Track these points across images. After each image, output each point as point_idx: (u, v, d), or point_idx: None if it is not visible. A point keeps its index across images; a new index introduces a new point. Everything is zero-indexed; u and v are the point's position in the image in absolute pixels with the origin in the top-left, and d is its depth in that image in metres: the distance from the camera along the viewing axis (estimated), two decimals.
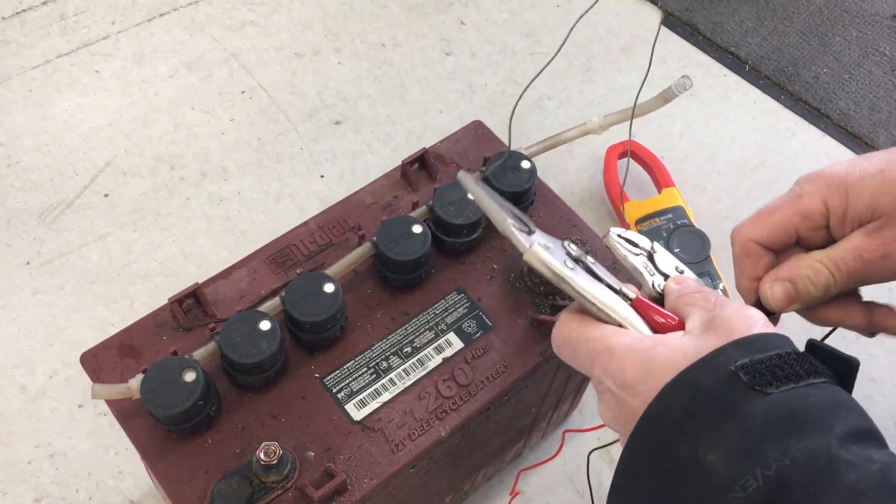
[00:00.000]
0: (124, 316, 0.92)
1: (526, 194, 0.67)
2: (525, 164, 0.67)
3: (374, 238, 0.63)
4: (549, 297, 0.66)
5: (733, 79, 1.18)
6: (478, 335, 0.64)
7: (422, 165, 0.71)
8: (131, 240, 0.97)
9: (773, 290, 0.50)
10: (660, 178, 1.02)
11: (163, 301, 0.96)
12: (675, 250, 0.96)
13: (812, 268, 0.49)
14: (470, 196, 0.56)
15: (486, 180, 0.67)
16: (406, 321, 0.64)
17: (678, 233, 0.97)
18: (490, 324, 0.64)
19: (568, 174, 1.09)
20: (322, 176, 1.05)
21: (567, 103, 1.14)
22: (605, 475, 0.87)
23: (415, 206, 0.67)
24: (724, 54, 1.20)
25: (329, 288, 0.60)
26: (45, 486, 0.82)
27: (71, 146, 1.04)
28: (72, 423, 0.85)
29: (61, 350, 0.89)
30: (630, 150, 1.05)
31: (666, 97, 0.63)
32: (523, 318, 0.65)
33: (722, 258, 0.99)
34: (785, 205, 0.50)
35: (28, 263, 0.94)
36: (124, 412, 0.58)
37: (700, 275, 0.96)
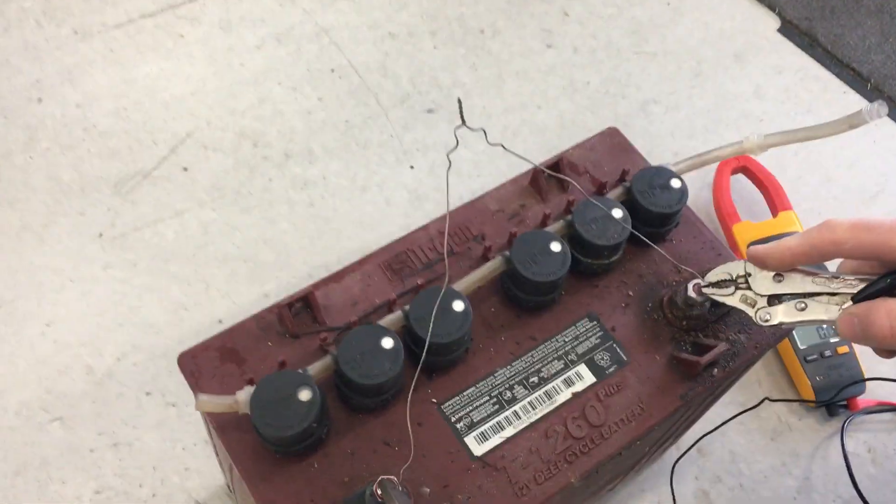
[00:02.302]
0: (199, 300, 0.86)
1: (673, 217, 0.60)
2: (675, 184, 0.60)
3: (508, 253, 0.57)
4: (690, 334, 0.59)
5: (854, 97, 1.10)
6: (611, 370, 0.57)
7: (553, 174, 0.64)
8: (209, 219, 0.92)
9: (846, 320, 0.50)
10: (776, 201, 0.95)
11: (240, 288, 0.91)
12: None
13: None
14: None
15: (630, 197, 0.60)
16: (533, 347, 0.57)
17: None
18: (625, 358, 0.58)
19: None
20: (412, 167, 0.98)
21: (674, 109, 1.07)
22: None
23: (546, 218, 0.60)
24: (844, 69, 1.12)
25: (459, 306, 0.53)
26: (106, 478, 0.76)
27: (151, 113, 0.98)
28: (138, 411, 0.80)
29: (132, 331, 0.84)
30: (745, 167, 0.98)
31: (852, 123, 0.56)
32: (661, 354, 0.58)
33: None
34: (883, 228, 0.48)
35: (101, 235, 0.89)
36: (224, 424, 0.52)
37: None
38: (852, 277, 0.52)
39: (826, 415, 0.86)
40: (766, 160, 1.00)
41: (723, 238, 0.96)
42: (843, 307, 0.52)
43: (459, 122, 0.50)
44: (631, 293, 0.60)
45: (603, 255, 0.58)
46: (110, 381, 0.81)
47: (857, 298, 0.51)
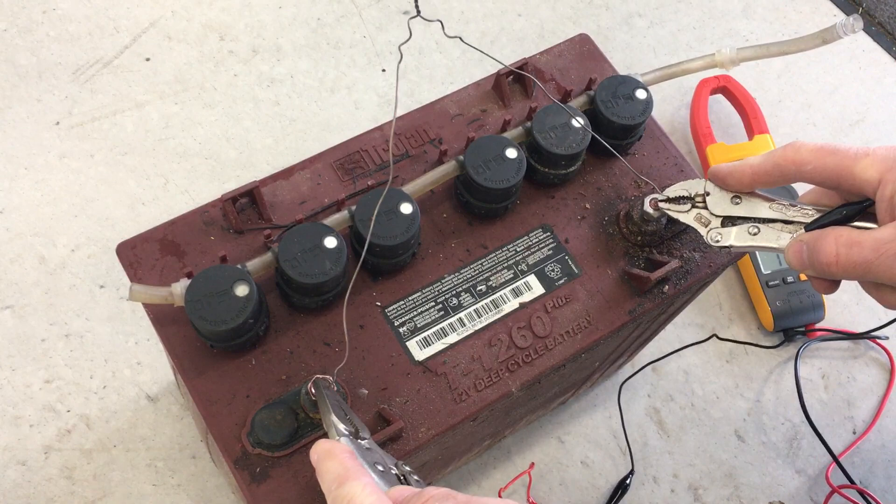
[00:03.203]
0: (157, 195, 0.85)
1: (636, 129, 0.58)
2: (641, 94, 0.58)
3: (462, 157, 0.55)
4: (645, 249, 0.58)
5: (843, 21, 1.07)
6: (561, 282, 0.56)
7: (517, 79, 0.62)
8: (171, 112, 0.89)
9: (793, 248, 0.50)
10: (753, 123, 0.93)
11: (200, 185, 0.89)
12: None
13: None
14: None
15: (594, 106, 0.58)
16: (483, 255, 0.56)
17: None
18: (576, 270, 0.57)
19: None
20: (384, 70, 0.95)
21: (658, 24, 1.04)
22: (651, 435, 0.81)
23: (506, 124, 0.58)
24: None
25: (406, 208, 0.52)
26: (57, 368, 0.76)
27: None
28: (91, 303, 0.79)
29: (87, 223, 0.82)
30: (725, 87, 0.95)
31: (825, 38, 0.54)
32: (614, 268, 0.57)
33: None
34: (847, 154, 0.47)
35: (58, 124, 0.86)
36: (161, 317, 0.51)
37: None
38: (810, 207, 0.51)
39: (784, 339, 0.86)
40: (748, 82, 0.98)
41: (697, 158, 0.95)
42: (795, 236, 0.51)
43: (417, 6, 0.48)
44: (588, 206, 0.59)
45: (560, 164, 0.57)
46: (63, 272, 0.80)
47: (810, 227, 0.50)
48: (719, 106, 0.98)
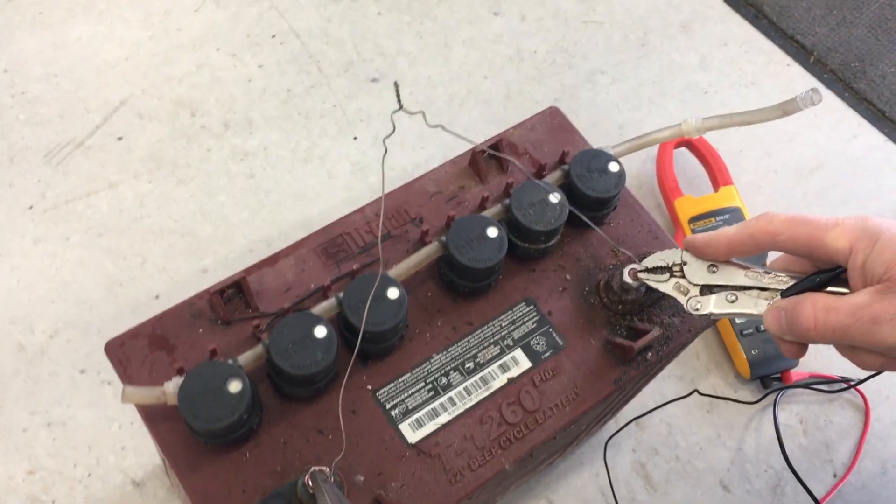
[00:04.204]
0: (134, 275, 0.84)
1: (611, 201, 0.60)
2: (613, 167, 0.60)
3: (444, 238, 0.56)
4: (626, 318, 0.59)
5: (797, 70, 1.11)
6: (547, 354, 0.57)
7: (493, 154, 0.63)
8: (145, 191, 0.89)
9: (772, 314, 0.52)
10: (718, 175, 0.96)
11: (178, 263, 0.89)
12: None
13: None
14: None
15: (569, 181, 0.60)
16: (469, 332, 0.57)
17: None
18: (561, 343, 0.58)
19: None
20: (355, 138, 0.97)
21: (620, 80, 1.06)
22: (638, 490, 0.82)
23: (484, 201, 0.60)
24: (788, 42, 1.13)
25: (393, 293, 0.53)
26: (40, 458, 0.75)
27: (83, 79, 0.95)
28: (72, 389, 0.78)
29: (64, 307, 0.82)
30: (688, 142, 0.98)
31: (786, 110, 0.56)
32: (597, 338, 0.58)
33: None
34: (818, 224, 0.49)
35: (31, 208, 0.86)
36: (153, 414, 0.51)
37: None
38: (784, 274, 0.53)
39: (761, 387, 0.88)
40: (710, 133, 1.01)
41: (665, 211, 0.97)
42: (772, 302, 0.52)
43: (399, 101, 0.49)
44: (568, 277, 0.60)
45: (540, 240, 0.58)
46: (42, 359, 0.79)
47: (787, 293, 0.52)
48: (684, 158, 1.00)
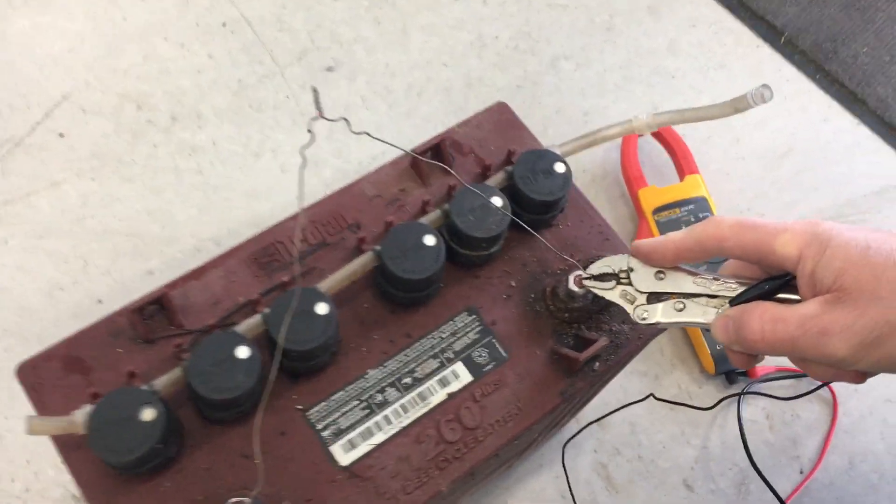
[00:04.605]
0: (76, 279, 0.81)
1: (556, 204, 0.57)
2: (559, 168, 0.57)
3: (379, 247, 0.53)
4: (573, 326, 0.57)
5: (767, 51, 1.08)
6: (489, 367, 0.55)
7: (436, 155, 0.60)
8: (89, 189, 0.86)
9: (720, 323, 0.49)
10: (683, 164, 0.93)
11: (123, 264, 0.86)
12: None
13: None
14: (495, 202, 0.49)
15: (513, 182, 0.57)
16: (407, 345, 0.54)
17: None
18: (504, 354, 0.55)
19: None
20: (309, 131, 0.93)
21: (585, 66, 1.03)
22: (599, 492, 0.80)
23: (425, 205, 0.57)
24: (759, 22, 1.09)
25: (322, 309, 0.50)
26: None
27: (23, 73, 0.91)
28: (10, 401, 0.75)
29: (3, 314, 0.79)
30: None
31: (737, 107, 0.53)
32: (542, 348, 0.56)
33: None
34: (766, 230, 0.47)
35: None
36: (66, 441, 0.49)
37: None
38: (733, 281, 0.50)
39: (726, 382, 0.86)
40: None
41: (630, 201, 0.94)
42: (720, 310, 0.50)
43: (318, 108, 0.47)
44: (513, 283, 0.58)
45: (481, 247, 0.55)
46: None
47: (735, 302, 0.50)
48: (650, 146, 0.97)
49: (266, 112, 0.94)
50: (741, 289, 0.50)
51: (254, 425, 0.46)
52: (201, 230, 0.86)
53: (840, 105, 1.06)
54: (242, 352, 0.48)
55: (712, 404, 0.81)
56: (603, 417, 0.78)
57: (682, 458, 0.83)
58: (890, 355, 0.44)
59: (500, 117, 0.64)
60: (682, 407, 0.85)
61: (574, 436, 0.78)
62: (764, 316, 0.47)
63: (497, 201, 0.55)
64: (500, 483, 0.79)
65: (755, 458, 0.77)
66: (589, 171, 0.97)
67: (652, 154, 0.97)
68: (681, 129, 0.97)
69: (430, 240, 0.53)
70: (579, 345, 0.56)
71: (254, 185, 0.89)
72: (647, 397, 0.77)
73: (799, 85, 1.06)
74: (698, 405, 0.84)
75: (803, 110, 1.05)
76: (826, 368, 0.48)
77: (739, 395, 0.83)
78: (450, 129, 0.63)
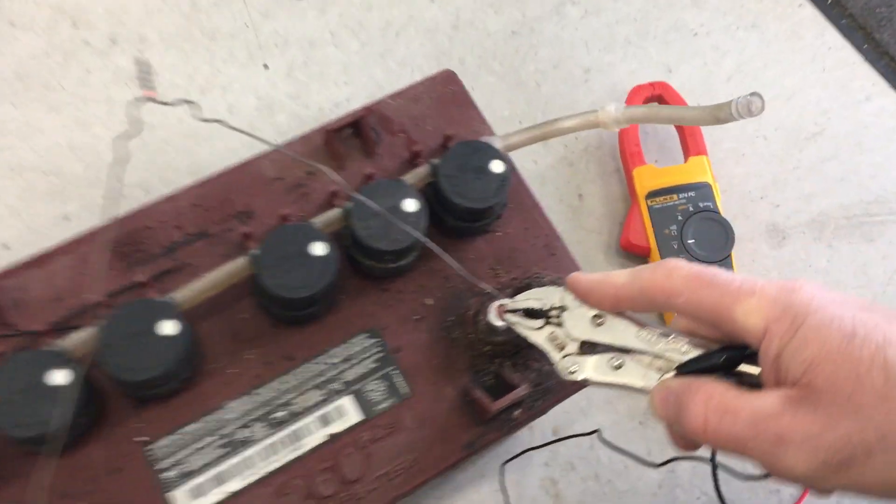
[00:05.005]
0: None
1: (488, 212, 0.46)
2: (496, 167, 0.46)
3: (258, 250, 0.43)
4: (495, 361, 0.47)
5: (809, 12, 0.93)
6: (385, 405, 0.45)
7: (358, 132, 0.49)
8: (7, 116, 0.76)
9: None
10: (689, 141, 0.80)
11: (37, 207, 0.76)
12: (690, 241, 0.76)
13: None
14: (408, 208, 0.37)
15: (435, 181, 0.46)
16: (286, 370, 0.45)
17: (697, 219, 0.77)
18: (405, 390, 0.45)
19: (577, 106, 0.86)
20: (266, 66, 0.82)
21: (594, 14, 0.90)
22: None
23: (332, 197, 0.46)
24: None
25: (168, 328, 0.40)
26: None
27: None
28: None
29: None
30: (661, 96, 0.82)
31: (719, 116, 0.41)
32: (454, 386, 0.46)
33: (744, 253, 0.80)
34: (728, 289, 0.37)
35: None
36: None
37: None
38: (685, 340, 0.40)
39: None
40: (693, 85, 0.86)
41: (624, 179, 0.82)
42: (664, 377, 0.40)
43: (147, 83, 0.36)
44: (430, 301, 0.48)
45: (386, 259, 0.45)
46: None
47: (682, 371, 0.39)
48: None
49: (219, 41, 0.82)
50: (694, 352, 0.40)
51: (91, 450, 0.37)
52: (130, 174, 0.75)
53: (887, 83, 0.91)
54: (58, 377, 0.39)
55: (664, 461, 0.70)
56: (542, 447, 0.68)
57: (644, 480, 0.73)
58: (860, 482, 0.34)
59: (445, 90, 0.52)
60: (653, 422, 0.75)
61: (511, 459, 0.68)
62: (710, 402, 0.36)
63: (410, 205, 0.44)
64: (433, 492, 0.70)
65: (730, 490, 0.67)
66: (583, 139, 0.84)
67: (658, 127, 0.85)
68: (696, 95, 0.84)
69: (319, 248, 0.43)
70: (498, 387, 0.46)
71: (196, 127, 0.78)
72: (592, 432, 0.67)
73: (842, 54, 0.92)
74: (648, 458, 0.73)
75: (843, 86, 0.91)
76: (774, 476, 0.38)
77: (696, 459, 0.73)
78: (379, 100, 0.51)
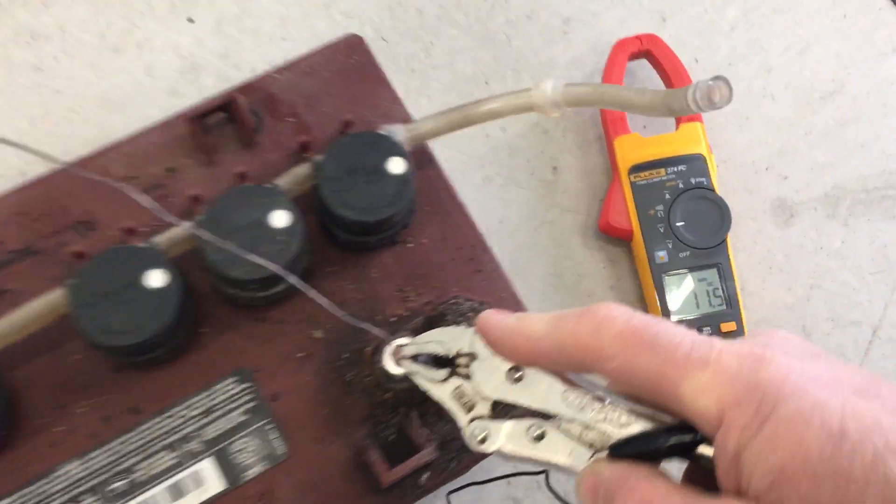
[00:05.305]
0: None
1: (384, 224, 0.36)
2: (395, 167, 0.36)
3: (76, 279, 0.33)
4: (399, 410, 0.37)
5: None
6: (256, 469, 0.36)
7: (231, 117, 0.39)
8: None
9: None
10: None
11: None
12: (679, 224, 0.65)
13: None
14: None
15: (316, 185, 0.36)
16: (131, 427, 0.35)
17: (687, 198, 0.65)
18: (283, 450, 0.36)
19: (555, 67, 0.74)
20: (191, 20, 0.71)
21: None
22: None
23: (195, 203, 0.36)
24: None
25: None
26: None
27: None
28: None
29: None
30: (649, 52, 0.71)
31: (671, 105, 0.31)
32: (345, 443, 0.36)
33: (746, 234, 0.70)
34: (674, 358, 0.27)
35: None
36: None
37: (705, 267, 0.66)
38: (624, 407, 0.30)
39: None
40: (690, 37, 0.74)
41: (605, 148, 0.71)
42: (594, 457, 0.30)
43: None
44: (318, 334, 0.38)
45: (250, 287, 0.35)
46: None
47: (617, 452, 0.29)
48: (647, 73, 0.73)
49: None
50: (635, 425, 0.30)
51: None
52: (33, 147, 0.66)
53: None
54: None
55: None
56: (487, 482, 0.59)
57: None
58: None
59: (349, 60, 0.42)
60: None
61: (456, 490, 0.59)
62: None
63: (280, 219, 0.34)
64: None
65: None
66: None
67: (649, 86, 0.73)
68: (693, 50, 0.72)
69: (155, 279, 0.33)
70: (403, 442, 0.36)
71: (107, 91, 0.68)
72: (541, 472, 0.57)
73: (868, 0, 0.80)
74: None
75: (866, 36, 0.78)
76: None
77: None
78: (265, 74, 0.41)
